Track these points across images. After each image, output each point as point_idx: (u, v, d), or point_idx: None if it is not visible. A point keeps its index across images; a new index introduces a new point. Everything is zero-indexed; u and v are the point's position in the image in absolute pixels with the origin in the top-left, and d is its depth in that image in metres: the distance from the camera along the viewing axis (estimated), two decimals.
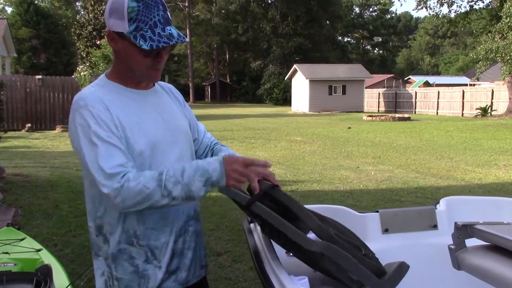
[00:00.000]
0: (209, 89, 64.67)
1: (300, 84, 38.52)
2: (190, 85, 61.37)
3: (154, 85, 1.85)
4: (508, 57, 18.51)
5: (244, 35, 64.32)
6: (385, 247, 2.53)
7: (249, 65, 64.18)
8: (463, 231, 1.94)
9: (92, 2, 55.19)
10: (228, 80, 67.20)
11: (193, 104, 52.55)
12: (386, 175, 9.67)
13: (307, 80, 37.03)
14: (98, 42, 31.28)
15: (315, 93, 36.99)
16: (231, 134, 18.13)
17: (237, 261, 4.80)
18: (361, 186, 8.60)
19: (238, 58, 68.26)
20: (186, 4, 60.93)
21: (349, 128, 21.58)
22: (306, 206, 2.77)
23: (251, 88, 60.64)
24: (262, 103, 53.52)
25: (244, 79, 63.82)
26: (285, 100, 48.76)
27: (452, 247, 1.97)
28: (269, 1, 65.10)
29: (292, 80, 40.66)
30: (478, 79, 25.48)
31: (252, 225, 2.46)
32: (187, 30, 61.15)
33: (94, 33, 51.09)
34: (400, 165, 10.97)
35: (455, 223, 1.97)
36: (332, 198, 7.55)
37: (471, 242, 2.00)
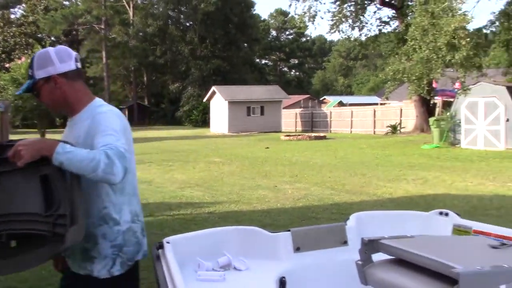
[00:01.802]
0: (127, 112, 63.10)
1: (219, 106, 38.64)
2: None
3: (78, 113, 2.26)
4: (414, 78, 19.61)
5: (162, 57, 63.78)
6: (297, 266, 2.52)
7: (167, 87, 63.58)
8: (369, 246, 1.96)
9: (2, 24, 52.47)
10: (146, 103, 66.09)
11: None
12: (303, 193, 9.82)
13: (226, 102, 37.23)
14: (7, 65, 29.72)
15: (234, 114, 37.23)
16: (149, 157, 17.75)
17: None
18: (279, 205, 8.67)
19: (157, 80, 67.44)
20: (102, 26, 59.55)
21: (267, 148, 21.85)
22: (219, 229, 2.72)
23: (170, 110, 60.01)
24: (181, 125, 53.09)
25: (163, 101, 63.09)
26: (204, 121, 48.68)
27: (360, 262, 1.98)
28: (187, 24, 65.14)
29: (211, 101, 40.71)
30: (387, 98, 26.83)
31: (160, 250, 2.36)
32: (103, 53, 59.63)
33: (3, 55, 48.55)
34: (316, 182, 11.20)
35: (362, 238, 1.98)
36: (250, 218, 7.53)
37: (378, 256, 2.02)
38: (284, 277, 2.40)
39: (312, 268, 2.52)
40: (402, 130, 28.93)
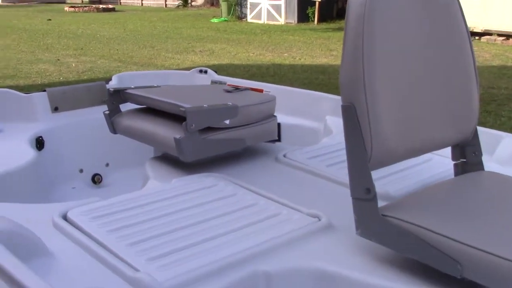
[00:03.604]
0: None
1: None
2: None
3: None
4: None
5: None
6: (55, 125, 2.50)
7: None
8: (116, 96, 2.01)
9: None
10: None
11: None
12: (88, 66, 9.45)
13: None
14: None
15: None
16: None
17: None
18: (61, 78, 8.25)
19: None
20: None
21: (49, 20, 20.01)
22: None
23: None
24: None
25: None
26: None
27: (107, 112, 2.03)
28: None
29: None
30: None
31: None
32: None
33: None
34: (103, 55, 10.81)
35: (108, 89, 2.02)
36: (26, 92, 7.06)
37: (128, 107, 2.11)
38: (41, 137, 2.36)
39: (71, 127, 2.52)
40: (193, 4, 28.87)
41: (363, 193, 1.23)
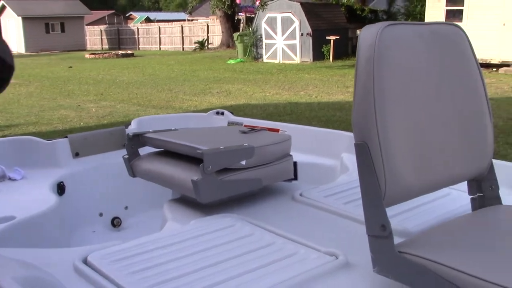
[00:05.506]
0: None
1: (12, 22, 34.73)
2: None
3: None
4: None
5: None
6: (77, 171, 2.55)
7: None
8: (135, 140, 2.06)
9: None
10: None
11: None
12: (108, 110, 9.64)
13: (20, 18, 33.59)
14: None
15: (30, 32, 33.89)
16: None
17: None
18: (82, 123, 8.41)
19: None
20: None
21: (71, 67, 20.59)
22: None
23: None
24: None
25: None
26: None
27: (126, 157, 2.08)
28: None
29: (1, 18, 36.30)
30: (190, 14, 26.84)
31: None
32: None
33: None
34: (123, 100, 11.04)
35: (127, 134, 2.07)
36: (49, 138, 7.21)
37: (147, 150, 2.15)
38: (62, 182, 2.42)
39: (92, 171, 2.57)
40: (210, 46, 29.48)
41: (378, 230, 1.23)
